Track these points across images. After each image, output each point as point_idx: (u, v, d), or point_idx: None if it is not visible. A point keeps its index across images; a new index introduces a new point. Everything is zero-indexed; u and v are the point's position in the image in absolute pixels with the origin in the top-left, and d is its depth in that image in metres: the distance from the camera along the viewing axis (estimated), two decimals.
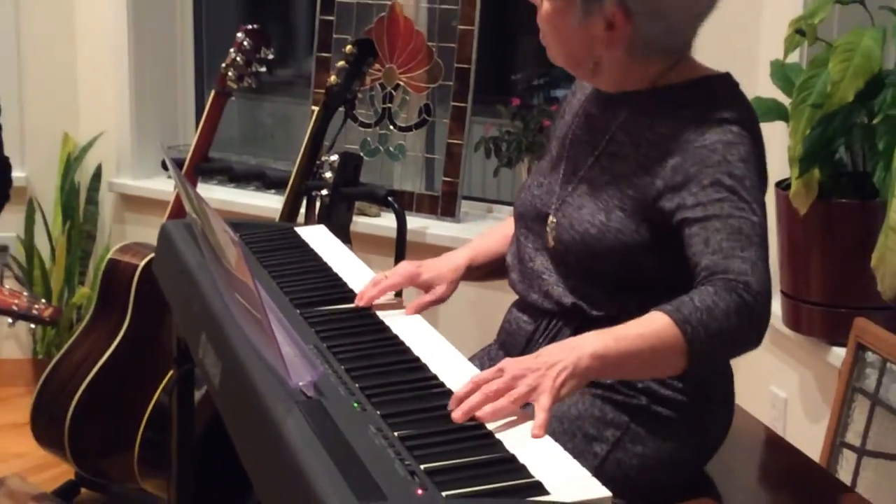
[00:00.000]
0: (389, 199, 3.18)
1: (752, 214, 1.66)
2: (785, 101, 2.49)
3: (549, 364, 1.50)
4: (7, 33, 3.89)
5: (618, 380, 1.78)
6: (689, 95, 1.81)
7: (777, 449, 2.06)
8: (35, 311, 2.59)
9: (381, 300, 1.95)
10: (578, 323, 1.81)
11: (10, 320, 2.61)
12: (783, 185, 2.52)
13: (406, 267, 2.04)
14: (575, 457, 1.40)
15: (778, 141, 2.55)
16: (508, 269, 1.98)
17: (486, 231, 2.23)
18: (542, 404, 1.46)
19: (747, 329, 1.60)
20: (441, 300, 2.00)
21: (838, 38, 2.40)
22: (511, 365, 1.51)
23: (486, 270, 2.10)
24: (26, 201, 3.95)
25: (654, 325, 1.56)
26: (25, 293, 2.65)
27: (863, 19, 2.45)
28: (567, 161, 1.93)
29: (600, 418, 1.79)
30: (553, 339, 1.80)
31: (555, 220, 1.87)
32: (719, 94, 1.81)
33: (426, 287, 2.01)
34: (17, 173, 3.86)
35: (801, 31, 2.44)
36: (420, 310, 1.93)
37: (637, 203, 1.77)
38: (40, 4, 3.92)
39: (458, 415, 1.46)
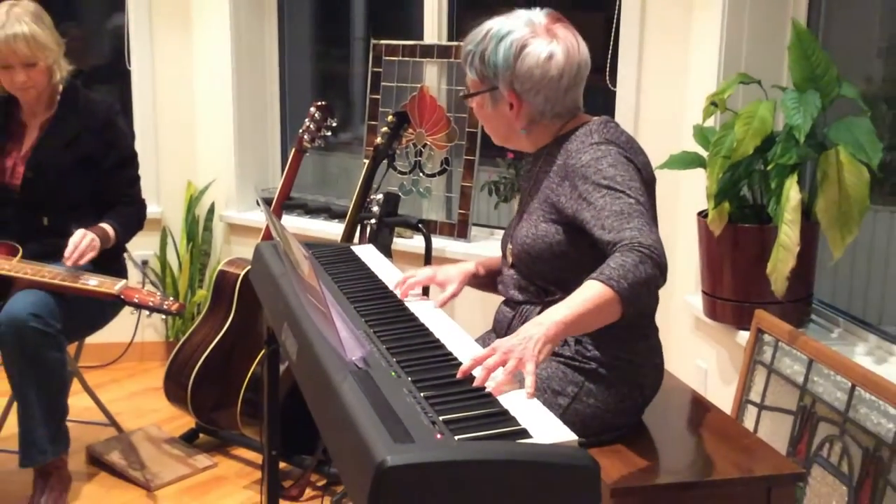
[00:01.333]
0: (419, 226, 3.19)
1: (627, 198, 1.68)
2: (703, 153, 2.49)
3: (527, 339, 1.50)
4: (147, 109, 3.90)
5: (574, 350, 1.81)
6: (574, 133, 1.86)
7: (700, 405, 2.04)
8: (166, 307, 2.59)
9: (411, 294, 1.99)
10: (541, 305, 1.84)
11: (148, 313, 2.61)
12: (703, 214, 2.51)
13: (426, 270, 2.08)
14: (545, 407, 1.41)
15: (698, 182, 2.53)
16: (497, 281, 2.02)
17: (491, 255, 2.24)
18: (529, 369, 1.46)
19: (652, 271, 1.58)
20: (453, 296, 2.03)
21: (742, 108, 2.39)
22: (500, 344, 1.51)
23: (485, 280, 2.12)
24: (161, 229, 3.96)
25: (591, 289, 1.56)
26: (160, 293, 2.65)
27: (759, 95, 2.44)
28: (520, 205, 2.00)
29: (562, 378, 1.81)
30: (526, 319, 1.82)
31: (510, 245, 1.93)
32: (593, 129, 1.84)
33: (441, 285, 2.05)
34: (153, 209, 3.88)
35: (714, 104, 2.44)
36: (442, 305, 1.94)
37: (551, 214, 1.83)
38: (171, 90, 3.93)
39: (477, 382, 1.46)
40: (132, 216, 2.90)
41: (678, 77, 2.84)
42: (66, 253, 2.62)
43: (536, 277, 1.87)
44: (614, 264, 1.57)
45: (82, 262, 2.62)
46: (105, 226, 2.77)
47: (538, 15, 1.84)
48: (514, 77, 1.81)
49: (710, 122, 2.54)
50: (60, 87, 2.86)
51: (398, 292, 1.98)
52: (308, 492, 2.94)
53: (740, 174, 2.39)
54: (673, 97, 2.85)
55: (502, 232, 3.49)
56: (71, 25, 2.93)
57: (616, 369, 1.81)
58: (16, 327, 2.51)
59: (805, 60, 2.29)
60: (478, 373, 1.47)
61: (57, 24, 2.83)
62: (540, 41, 1.80)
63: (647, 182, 1.82)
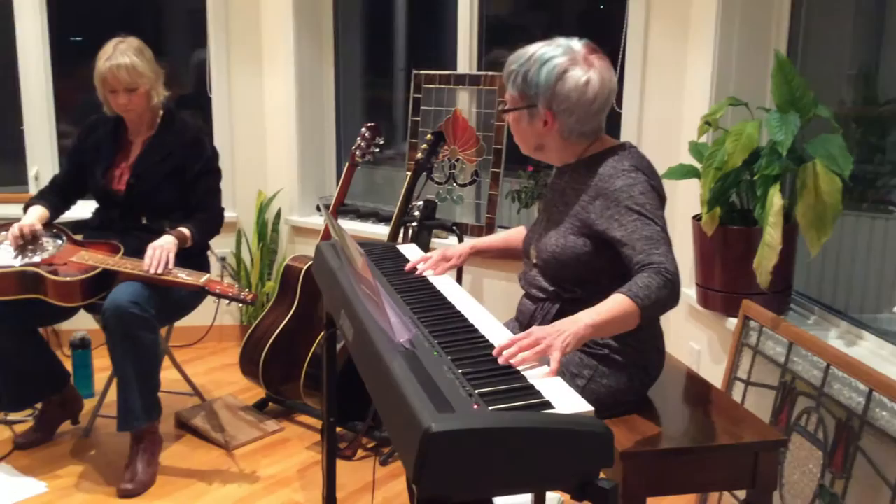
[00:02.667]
0: (454, 228, 3.17)
1: (655, 225, 1.67)
2: (697, 165, 2.45)
3: (559, 331, 1.50)
4: (225, 129, 3.92)
5: (590, 338, 1.77)
6: (603, 157, 1.82)
7: (695, 381, 2.01)
8: (242, 296, 2.60)
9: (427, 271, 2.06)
10: (560, 303, 1.82)
11: (227, 302, 2.62)
12: (697, 218, 2.47)
13: (440, 250, 2.13)
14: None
15: (694, 190, 2.50)
16: (519, 278, 2.00)
17: (497, 233, 2.26)
18: (555, 357, 1.45)
19: (671, 294, 1.60)
20: (453, 266, 2.10)
21: (731, 126, 2.35)
22: (535, 331, 1.51)
23: (488, 255, 2.19)
24: (236, 231, 3.97)
25: (618, 301, 1.56)
26: (236, 285, 2.66)
27: (746, 115, 2.40)
28: (544, 213, 1.96)
29: (579, 363, 1.79)
30: (546, 315, 1.82)
31: (535, 248, 1.90)
32: (620, 154, 1.81)
33: (447, 259, 2.11)
34: (230, 213, 3.89)
35: (708, 123, 2.40)
36: (443, 271, 2.06)
37: (580, 228, 1.79)
38: (245, 115, 3.95)
39: (502, 359, 1.46)
40: (207, 222, 2.88)
41: (675, 100, 2.81)
42: (146, 262, 2.63)
43: (560, 280, 1.84)
44: (642, 283, 1.58)
45: (160, 269, 2.62)
46: (184, 229, 2.77)
47: (577, 44, 1.79)
48: (553, 97, 1.77)
49: (703, 139, 2.51)
50: (160, 112, 2.89)
51: (420, 266, 2.06)
52: (360, 452, 2.93)
53: (730, 183, 2.35)
54: (671, 117, 2.82)
55: None
56: (163, 60, 2.94)
57: (625, 354, 1.79)
58: (117, 313, 2.53)
59: (786, 85, 2.25)
60: (511, 350, 1.47)
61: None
62: (579, 68, 1.76)
63: (663, 203, 1.80)
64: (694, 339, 2.78)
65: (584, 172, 1.83)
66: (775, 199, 2.17)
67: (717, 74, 2.57)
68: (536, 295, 1.89)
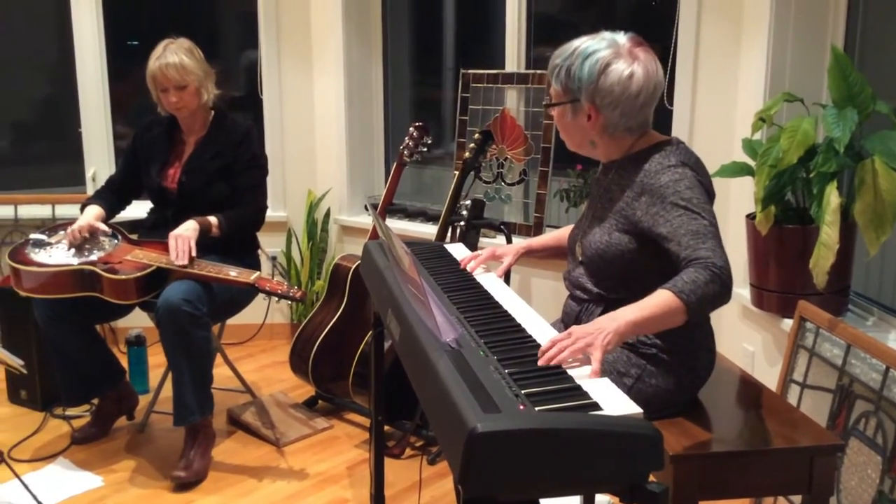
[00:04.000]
0: (502, 227, 3.16)
1: (703, 219, 1.62)
2: (751, 163, 2.40)
3: (600, 329, 1.48)
4: (276, 130, 3.97)
5: (637, 337, 1.75)
6: (650, 153, 1.78)
7: (748, 383, 1.97)
8: (292, 294, 2.63)
9: (479, 270, 2.05)
10: (604, 304, 1.80)
11: (277, 300, 2.64)
12: (751, 216, 2.42)
13: (490, 248, 2.10)
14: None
15: (747, 189, 2.45)
16: (564, 277, 1.97)
17: (548, 232, 2.24)
18: (596, 356, 1.43)
19: (720, 289, 1.54)
20: (509, 266, 2.07)
21: (786, 123, 2.30)
22: (576, 330, 1.49)
23: (540, 255, 2.15)
24: (286, 230, 4.02)
25: (662, 297, 1.53)
26: (286, 283, 2.69)
27: (801, 111, 2.35)
28: (588, 210, 1.93)
29: (626, 362, 1.76)
30: (590, 317, 1.79)
31: (580, 245, 1.87)
32: (666, 150, 1.77)
33: (498, 258, 2.09)
34: (280, 213, 3.96)
35: (762, 119, 2.35)
36: (502, 274, 2.02)
37: (625, 225, 1.76)
38: (295, 116, 3.99)
39: (542, 361, 1.45)
40: (242, 215, 2.88)
41: (728, 96, 2.75)
42: (172, 256, 2.67)
43: (604, 278, 1.81)
44: (687, 278, 1.53)
45: (185, 259, 2.65)
46: (211, 217, 2.80)
47: (622, 37, 1.76)
48: (596, 91, 1.73)
49: (757, 136, 2.46)
50: (212, 112, 2.94)
51: (469, 266, 2.05)
52: (408, 451, 2.94)
53: (785, 181, 2.30)
54: (723, 114, 2.76)
55: None
56: (214, 62, 2.99)
57: (674, 354, 1.76)
58: (171, 311, 2.58)
59: (843, 81, 2.20)
60: (552, 352, 1.46)
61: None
62: (623, 61, 1.72)
63: (711, 199, 1.75)
64: (748, 341, 2.72)
65: (629, 169, 1.79)
66: (832, 198, 2.11)
67: (771, 69, 2.52)
68: (580, 296, 1.87)
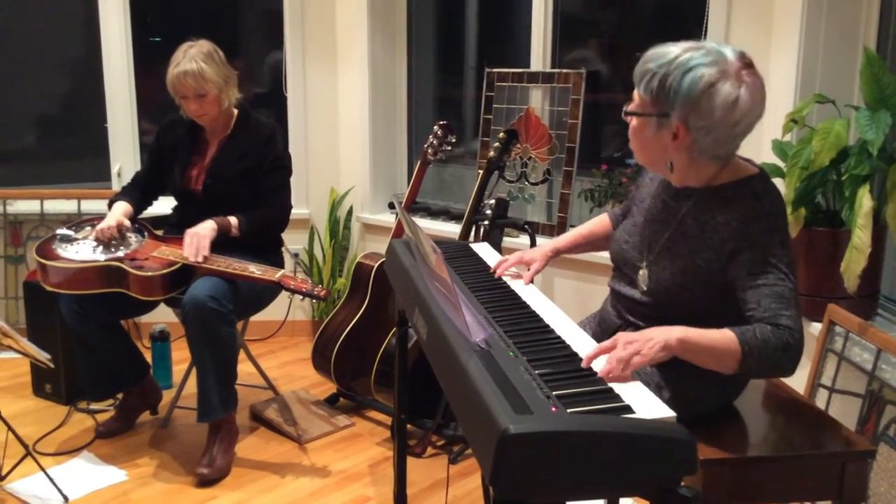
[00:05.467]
0: (526, 226, 3.15)
1: (789, 282, 1.53)
2: (781, 165, 2.37)
3: (648, 339, 1.45)
4: (299, 129, 3.98)
5: (678, 354, 1.68)
6: (738, 192, 1.63)
7: (778, 388, 1.95)
8: (316, 292, 2.63)
9: (508, 273, 2.01)
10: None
11: (301, 297, 2.64)
12: None
13: (517, 254, 2.06)
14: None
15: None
16: (611, 283, 1.88)
17: (574, 228, 2.16)
18: (635, 362, 1.41)
19: (788, 362, 1.50)
20: (537, 271, 2.01)
21: (818, 124, 2.27)
22: (622, 337, 1.46)
23: (568, 252, 2.10)
24: (309, 227, 4.03)
25: (725, 336, 1.48)
26: (310, 281, 2.69)
27: (833, 113, 2.32)
28: (649, 233, 1.77)
29: (666, 376, 1.71)
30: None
31: (646, 273, 1.73)
32: (759, 192, 1.61)
33: (527, 264, 2.04)
34: (302, 211, 3.97)
35: (794, 121, 2.33)
36: (530, 279, 1.95)
37: (704, 271, 1.64)
38: (319, 114, 4.00)
39: (601, 374, 1.40)
40: (264, 216, 2.89)
41: None
42: (185, 252, 2.69)
43: (664, 311, 1.68)
44: (760, 335, 1.47)
45: (198, 256, 2.67)
46: (232, 217, 2.81)
47: (730, 53, 1.56)
48: (693, 111, 1.55)
49: (788, 137, 2.43)
50: (235, 112, 2.94)
51: (498, 270, 2.01)
52: (429, 450, 2.94)
53: (816, 183, 2.27)
54: None
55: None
56: (239, 60, 3.00)
57: (716, 373, 1.71)
58: (196, 307, 2.59)
59: (875, 83, 2.17)
60: (600, 361, 1.43)
61: (228, 60, 2.91)
62: (730, 83, 1.54)
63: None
64: None
65: (713, 205, 1.64)
66: (865, 200, 2.09)
67: (802, 70, 2.49)
68: (628, 318, 1.79)
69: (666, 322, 1.56)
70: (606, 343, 1.46)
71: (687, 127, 1.58)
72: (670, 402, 1.65)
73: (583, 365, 1.42)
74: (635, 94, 1.65)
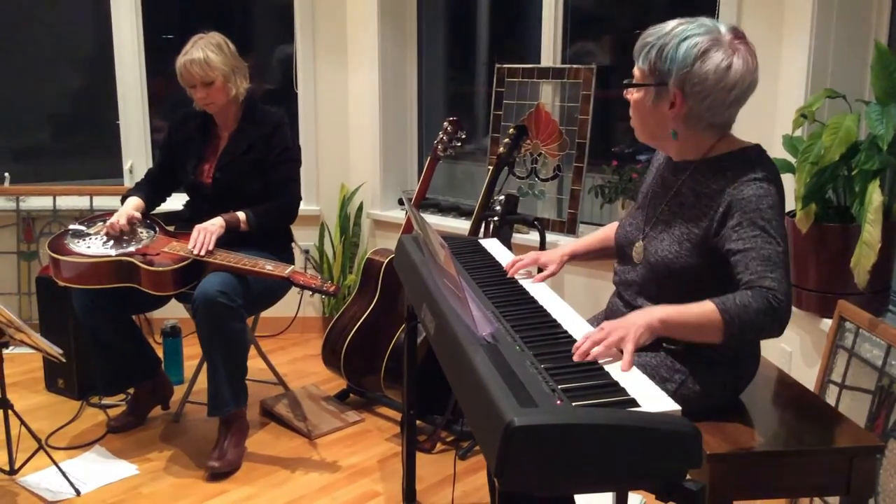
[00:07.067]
0: (536, 223, 3.15)
1: (777, 246, 1.55)
2: (791, 160, 2.37)
3: (631, 323, 1.48)
4: (310, 124, 4.00)
5: (683, 344, 1.70)
6: (732, 162, 1.68)
7: (787, 383, 1.95)
8: (326, 288, 2.64)
9: (520, 273, 2.02)
10: None
11: (311, 293, 2.66)
12: (791, 214, 2.39)
13: (532, 254, 2.06)
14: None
15: (787, 186, 2.41)
16: (614, 273, 1.92)
17: (590, 233, 2.17)
18: (628, 349, 1.44)
19: (771, 323, 1.50)
20: (552, 275, 2.01)
21: (828, 119, 2.27)
22: (608, 324, 1.49)
23: (584, 257, 2.09)
24: (320, 223, 4.05)
25: (704, 308, 1.51)
26: (320, 277, 2.71)
27: (843, 108, 2.31)
28: (648, 208, 1.84)
29: (670, 367, 1.73)
30: None
31: (642, 245, 1.79)
32: (753, 160, 1.67)
33: (543, 266, 2.04)
34: (313, 207, 3.99)
35: (804, 116, 2.32)
36: (541, 280, 1.96)
37: (698, 238, 1.68)
38: (329, 110, 4.01)
39: (577, 357, 1.45)
40: (274, 209, 2.90)
41: (769, 92, 2.71)
42: (190, 245, 2.71)
43: (664, 287, 1.72)
44: (739, 301, 1.49)
45: (202, 251, 2.69)
46: (240, 213, 2.83)
47: (723, 27, 1.66)
48: (688, 77, 1.62)
49: (798, 132, 2.43)
50: (243, 105, 2.96)
51: (510, 270, 2.01)
52: (438, 445, 2.95)
53: (826, 178, 2.27)
54: (764, 110, 2.73)
55: None
56: (249, 56, 3.02)
57: (719, 363, 1.73)
58: (207, 302, 2.61)
59: (887, 77, 2.16)
60: (585, 346, 1.47)
61: (239, 55, 2.94)
62: (722, 51, 1.62)
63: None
64: (785, 341, 2.69)
65: (707, 175, 1.70)
66: (875, 196, 2.08)
67: (813, 65, 2.48)
68: (631, 302, 1.80)
69: (664, 298, 1.63)
70: (593, 331, 1.49)
71: (684, 94, 1.65)
72: (674, 395, 1.68)
73: (575, 358, 1.44)
74: (635, 69, 1.72)
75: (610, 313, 1.91)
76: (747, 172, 1.64)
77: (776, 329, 1.52)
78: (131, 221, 2.87)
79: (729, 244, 1.60)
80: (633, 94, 1.73)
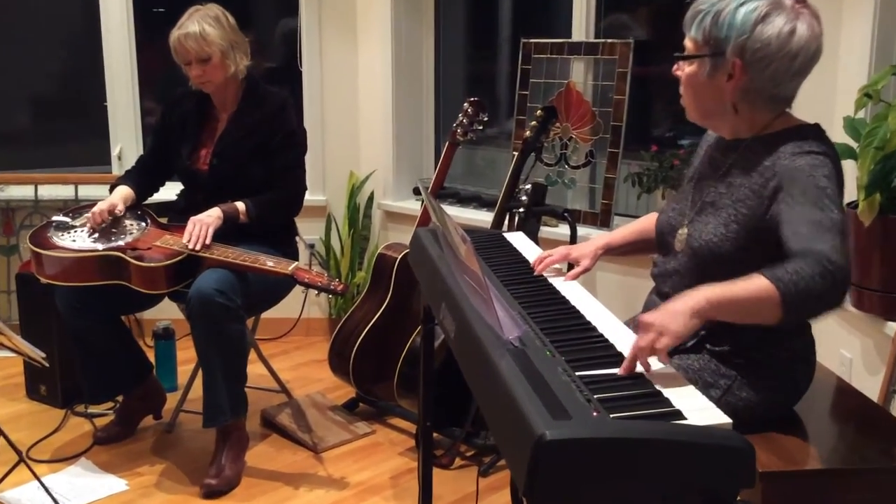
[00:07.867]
0: (566, 214, 3.14)
1: (831, 213, 1.51)
2: (853, 145, 2.34)
3: (672, 312, 1.44)
4: (315, 106, 4.00)
5: (729, 344, 1.68)
6: (787, 137, 1.67)
7: (848, 393, 1.93)
8: (332, 286, 2.64)
9: (550, 270, 1.99)
10: None
11: (316, 292, 2.66)
12: (853, 205, 2.37)
13: (562, 249, 2.03)
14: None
15: (848, 174, 2.37)
16: (653, 265, 1.90)
17: (627, 224, 2.15)
18: (663, 342, 1.41)
19: (830, 289, 1.42)
20: (585, 271, 1.99)
21: (894, 99, 2.24)
22: (647, 317, 1.45)
23: (620, 251, 2.07)
24: (326, 215, 4.06)
25: (753, 281, 1.45)
26: (326, 274, 2.71)
27: None
28: (695, 191, 1.82)
29: (715, 371, 1.71)
30: None
31: (685, 232, 1.77)
32: (809, 135, 1.67)
33: (575, 262, 2.01)
34: (319, 197, 4.00)
35: (868, 95, 2.29)
36: (573, 278, 1.94)
37: (748, 219, 1.66)
38: (337, 90, 4.02)
39: (622, 371, 1.42)
40: (275, 200, 2.90)
41: (828, 70, 2.68)
42: (184, 239, 2.72)
43: (708, 276, 1.61)
44: (790, 268, 1.43)
45: (198, 244, 2.70)
46: (239, 203, 2.83)
47: None
48: (748, 43, 1.61)
49: (861, 114, 2.40)
50: (243, 84, 2.96)
51: (538, 268, 1.99)
52: (457, 460, 2.95)
53: (892, 165, 2.24)
54: (822, 89, 2.69)
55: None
56: (249, 30, 3.02)
57: (770, 366, 1.71)
58: (203, 301, 2.62)
59: None
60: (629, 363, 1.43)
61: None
62: (784, 15, 1.61)
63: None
64: (845, 346, 2.66)
65: (759, 151, 1.69)
66: None
67: (877, 39, 2.46)
68: (671, 294, 1.75)
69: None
70: (637, 339, 1.44)
71: (744, 63, 1.64)
72: (719, 402, 1.65)
73: (620, 372, 1.41)
74: (687, 40, 1.71)
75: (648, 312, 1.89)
76: (801, 144, 1.63)
77: (836, 295, 1.45)
78: (112, 210, 2.86)
79: (780, 214, 1.57)
80: (685, 69, 1.72)
